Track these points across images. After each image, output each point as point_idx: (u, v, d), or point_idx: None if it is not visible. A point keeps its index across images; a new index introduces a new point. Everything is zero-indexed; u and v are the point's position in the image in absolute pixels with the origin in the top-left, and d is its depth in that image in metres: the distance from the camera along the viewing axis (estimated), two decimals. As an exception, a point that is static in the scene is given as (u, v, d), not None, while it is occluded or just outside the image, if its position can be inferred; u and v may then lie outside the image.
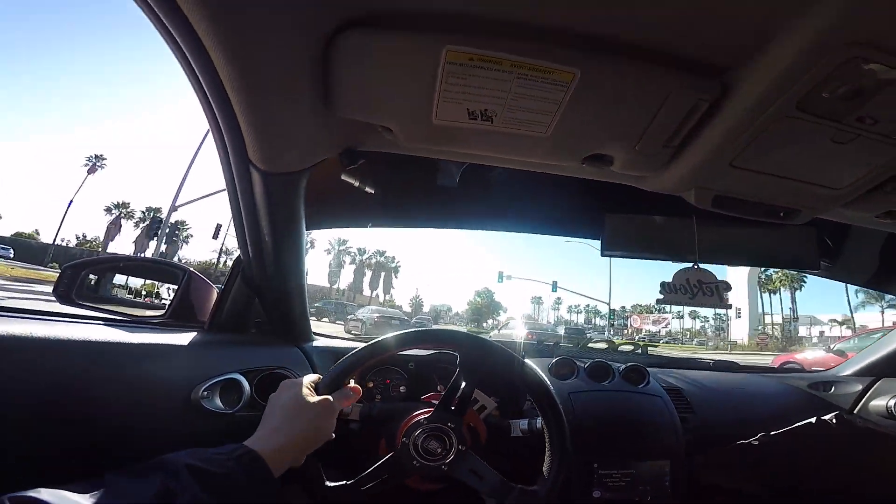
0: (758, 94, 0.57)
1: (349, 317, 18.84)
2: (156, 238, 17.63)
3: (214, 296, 1.03)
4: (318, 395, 0.73)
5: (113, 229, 41.05)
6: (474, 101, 0.63)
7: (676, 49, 0.55)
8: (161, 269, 1.18)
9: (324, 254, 53.21)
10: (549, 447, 0.82)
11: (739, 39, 0.52)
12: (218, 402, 0.86)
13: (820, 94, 0.55)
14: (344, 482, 0.74)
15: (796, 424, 1.00)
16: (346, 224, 1.15)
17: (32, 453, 0.69)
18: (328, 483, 0.74)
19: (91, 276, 1.05)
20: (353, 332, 14.20)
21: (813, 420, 0.98)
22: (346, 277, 53.20)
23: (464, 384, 0.81)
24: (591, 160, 0.73)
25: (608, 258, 1.02)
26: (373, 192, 0.96)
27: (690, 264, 0.91)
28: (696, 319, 49.93)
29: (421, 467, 0.77)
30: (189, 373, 0.85)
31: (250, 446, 0.62)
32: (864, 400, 1.30)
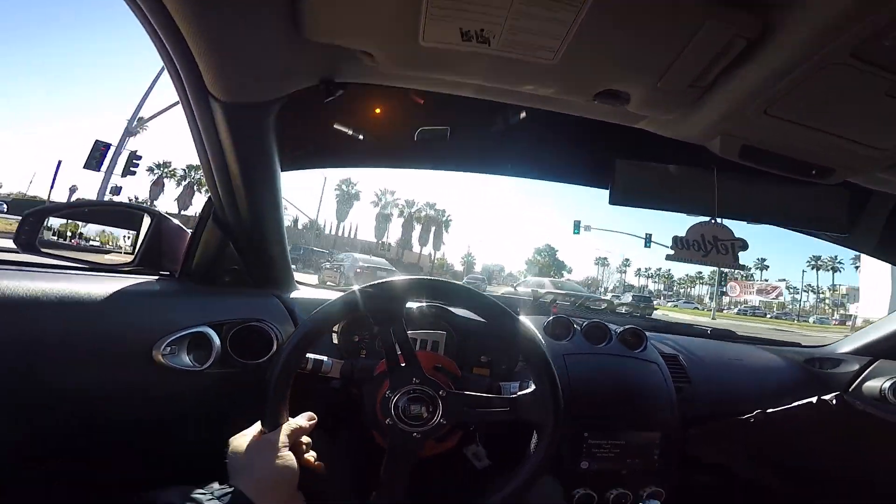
0: (807, 36, 0.48)
1: (324, 263, 16.34)
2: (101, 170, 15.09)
3: (182, 240, 0.95)
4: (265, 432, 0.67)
5: (155, 189, 40.81)
6: (468, 19, 0.53)
7: None
8: (129, 213, 1.09)
9: (370, 206, 49.23)
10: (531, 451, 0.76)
11: None
12: (185, 358, 0.79)
13: (880, 41, 0.47)
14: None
15: (796, 403, 0.97)
16: (332, 164, 1.06)
17: None
18: None
19: (54, 223, 0.97)
20: (328, 281, 11.96)
21: (814, 400, 0.94)
22: (395, 232, 49.31)
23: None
24: (605, 96, 0.63)
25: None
26: (352, 130, 0.87)
27: (708, 218, 0.83)
28: (810, 293, 46.04)
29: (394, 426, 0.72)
30: (152, 326, 0.78)
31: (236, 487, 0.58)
32: (859, 380, 1.27)
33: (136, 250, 0.93)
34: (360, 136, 0.91)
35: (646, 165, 0.88)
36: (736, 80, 0.56)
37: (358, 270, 12.77)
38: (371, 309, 0.70)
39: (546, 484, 0.93)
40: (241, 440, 0.65)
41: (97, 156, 14.14)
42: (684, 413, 1.04)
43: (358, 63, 0.66)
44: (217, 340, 0.82)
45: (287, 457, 0.64)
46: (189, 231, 0.97)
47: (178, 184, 41.07)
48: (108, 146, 14.65)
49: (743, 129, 0.64)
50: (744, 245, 0.81)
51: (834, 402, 0.92)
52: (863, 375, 1.26)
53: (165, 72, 0.66)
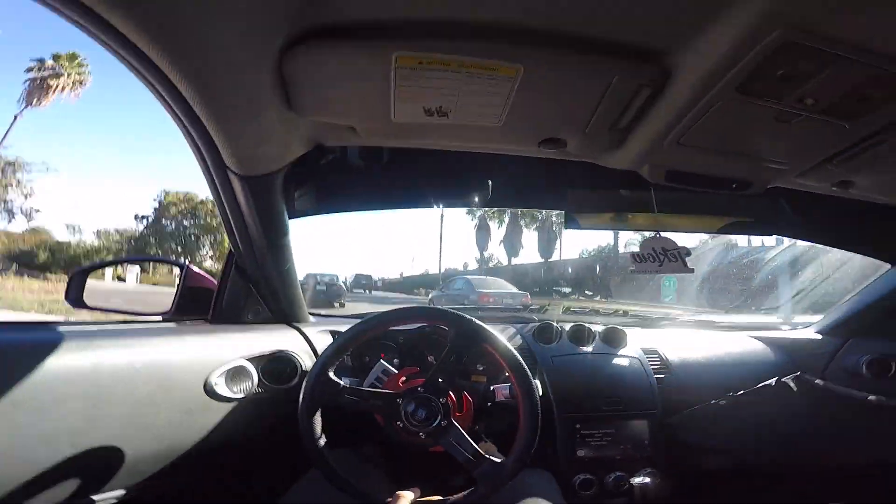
0: (699, 78, 0.60)
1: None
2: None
3: (210, 285, 1.10)
4: None
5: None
6: (429, 100, 0.67)
7: (614, 36, 0.58)
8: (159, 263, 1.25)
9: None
10: (521, 418, 0.85)
11: (677, 24, 0.55)
12: (228, 388, 0.92)
13: (760, 77, 0.57)
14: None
15: (758, 385, 1.05)
16: (337, 210, 1.20)
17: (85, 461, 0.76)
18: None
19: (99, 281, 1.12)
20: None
21: (772, 382, 1.03)
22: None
23: (453, 357, 0.87)
24: (547, 143, 0.77)
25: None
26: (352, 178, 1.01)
27: (653, 233, 0.96)
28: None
29: (404, 429, 0.84)
30: (202, 362, 0.91)
31: None
32: (834, 360, 1.32)
33: (173, 300, 1.07)
34: (360, 184, 1.07)
35: (594, 191, 1.01)
36: (649, 119, 0.69)
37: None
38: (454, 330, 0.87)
39: (542, 477, 1.00)
40: None
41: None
42: (667, 401, 1.15)
43: (344, 132, 0.80)
44: (254, 371, 0.96)
45: None
46: (211, 278, 1.12)
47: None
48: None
49: (664, 158, 0.76)
50: (688, 252, 0.93)
51: (793, 383, 1.00)
52: (838, 354, 1.33)
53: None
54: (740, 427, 1.15)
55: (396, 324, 0.95)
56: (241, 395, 0.93)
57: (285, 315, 1.16)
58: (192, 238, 24.65)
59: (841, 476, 1.25)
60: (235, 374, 0.94)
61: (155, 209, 26.86)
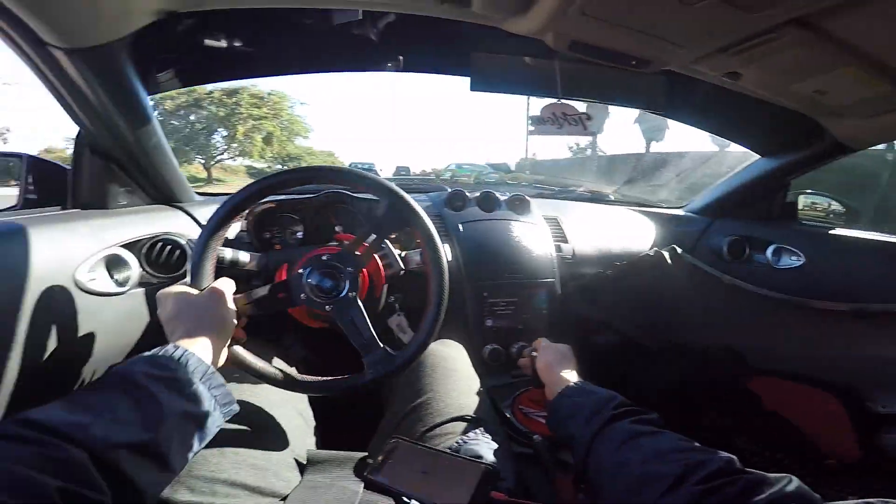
0: None
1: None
2: None
3: (64, 176, 0.93)
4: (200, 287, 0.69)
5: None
6: None
7: None
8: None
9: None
10: (429, 287, 0.79)
11: None
12: (106, 282, 0.81)
13: None
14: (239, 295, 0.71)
15: (638, 256, 1.13)
16: (204, 81, 1.04)
17: None
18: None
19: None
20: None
21: (651, 252, 1.10)
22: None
23: (373, 235, 0.78)
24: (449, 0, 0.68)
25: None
26: (219, 44, 0.85)
27: (555, 99, 0.95)
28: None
29: (307, 300, 0.75)
30: (64, 254, 0.75)
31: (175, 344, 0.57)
32: (701, 238, 1.42)
33: (19, 194, 0.91)
34: (228, 47, 0.90)
35: (498, 56, 0.95)
36: None
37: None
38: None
39: (455, 348, 0.99)
40: (176, 295, 0.65)
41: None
42: (563, 271, 1.20)
43: None
44: (133, 259, 0.86)
45: (228, 310, 0.66)
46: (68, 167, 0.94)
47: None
48: None
49: (569, 27, 0.72)
50: (589, 116, 0.94)
51: (668, 254, 1.07)
52: (704, 234, 1.43)
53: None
54: (621, 300, 1.23)
55: (297, 184, 0.80)
56: (122, 290, 0.83)
57: (164, 196, 1.05)
58: (204, 132, 19.43)
59: (702, 357, 1.33)
60: (111, 265, 0.82)
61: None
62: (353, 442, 0.76)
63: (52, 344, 0.71)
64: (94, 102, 0.77)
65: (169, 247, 0.92)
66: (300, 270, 0.75)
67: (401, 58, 1.07)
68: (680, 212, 1.57)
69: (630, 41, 0.75)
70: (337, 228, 1.09)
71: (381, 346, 0.75)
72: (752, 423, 1.37)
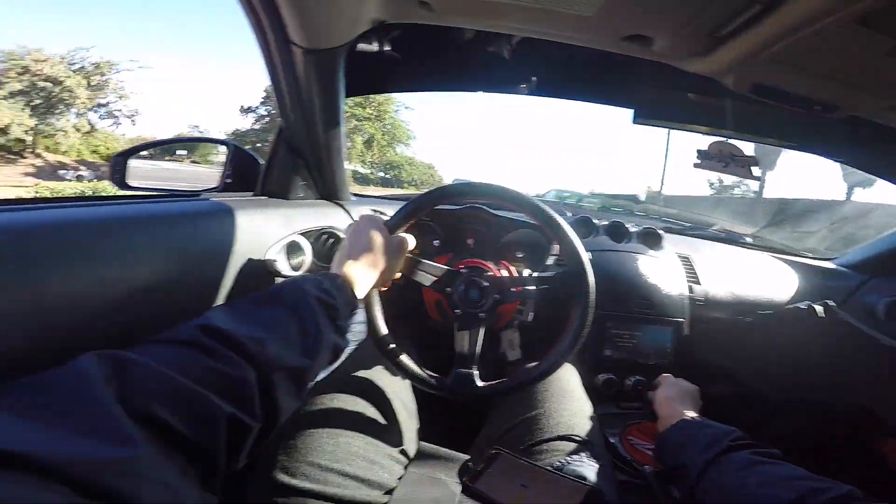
0: (822, 2, 0.54)
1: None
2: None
3: (255, 164, 1.09)
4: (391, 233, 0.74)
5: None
6: None
7: None
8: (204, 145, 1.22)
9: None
10: (573, 314, 0.78)
11: None
12: (285, 264, 0.89)
13: (887, 12, 0.53)
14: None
15: (788, 307, 1.06)
16: (389, 90, 1.15)
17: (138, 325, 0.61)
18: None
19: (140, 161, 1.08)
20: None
21: (803, 305, 1.03)
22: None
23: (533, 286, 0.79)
24: (631, 40, 0.72)
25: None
26: (404, 57, 0.96)
27: (724, 138, 0.93)
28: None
29: (450, 293, 0.80)
30: (261, 236, 0.86)
31: (338, 273, 0.62)
32: (854, 296, 1.27)
33: (221, 176, 1.07)
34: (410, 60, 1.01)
35: (666, 91, 0.94)
36: (750, 33, 0.63)
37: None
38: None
39: (570, 371, 0.97)
40: (375, 226, 0.70)
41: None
42: (694, 312, 1.15)
43: (413, 9, 0.75)
44: (308, 247, 0.95)
45: (398, 262, 0.73)
46: (260, 160, 1.11)
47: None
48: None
49: (755, 71, 0.71)
50: (755, 161, 0.91)
51: (822, 309, 1.00)
52: (858, 291, 1.29)
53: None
54: (756, 350, 1.15)
55: (468, 199, 0.92)
56: (295, 273, 0.92)
57: (329, 193, 1.18)
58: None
59: (829, 413, 1.24)
60: (290, 250, 0.93)
61: (263, 98, 23.50)
62: (452, 439, 0.80)
63: None
64: (305, 99, 0.89)
65: (332, 239, 1.04)
66: (462, 269, 0.81)
67: (565, 84, 1.11)
68: (829, 264, 1.43)
69: (817, 86, 0.73)
70: (469, 241, 1.14)
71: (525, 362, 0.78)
72: (877, 484, 1.22)
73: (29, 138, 19.44)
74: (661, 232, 1.25)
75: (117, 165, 1.05)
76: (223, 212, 0.82)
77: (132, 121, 23.98)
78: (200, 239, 0.74)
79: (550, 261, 1.09)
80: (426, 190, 0.81)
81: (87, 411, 0.28)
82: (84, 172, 21.46)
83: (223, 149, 1.12)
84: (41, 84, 19.28)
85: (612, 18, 0.67)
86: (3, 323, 0.45)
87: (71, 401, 0.29)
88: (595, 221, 1.27)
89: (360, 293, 0.63)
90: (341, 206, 1.17)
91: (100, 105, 22.41)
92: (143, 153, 1.15)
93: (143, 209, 0.69)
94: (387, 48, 0.99)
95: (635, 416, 0.99)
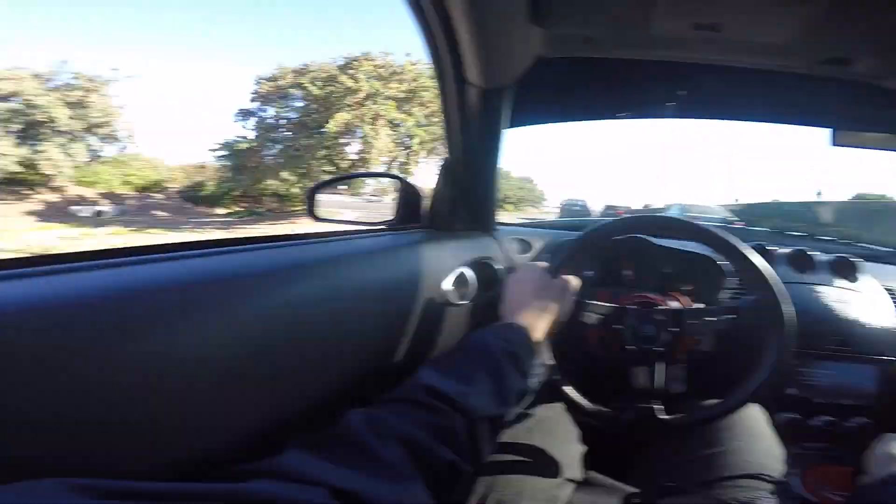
0: None
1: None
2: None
3: (420, 198, 1.14)
4: (555, 277, 0.77)
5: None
6: (702, 15, 0.60)
7: None
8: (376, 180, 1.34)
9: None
10: (764, 349, 0.73)
11: None
12: (455, 294, 0.90)
13: None
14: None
15: None
16: (552, 121, 1.21)
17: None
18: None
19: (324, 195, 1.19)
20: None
21: None
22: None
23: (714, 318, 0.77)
24: (829, 62, 0.67)
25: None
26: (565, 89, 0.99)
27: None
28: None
29: (623, 329, 0.80)
30: (439, 267, 0.90)
31: (513, 322, 0.65)
32: None
33: (396, 210, 1.13)
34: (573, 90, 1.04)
35: (866, 111, 0.85)
36: None
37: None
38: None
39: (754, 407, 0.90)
40: (537, 273, 0.75)
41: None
42: None
43: (578, 45, 0.78)
44: (473, 277, 0.98)
45: (568, 304, 0.75)
46: (423, 191, 1.21)
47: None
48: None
49: None
50: None
51: None
52: None
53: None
54: None
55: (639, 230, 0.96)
56: (463, 302, 0.93)
57: (481, 224, 1.23)
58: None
59: None
60: (458, 280, 0.95)
61: (253, 96, 21.67)
62: (609, 464, 0.80)
63: (421, 345, 0.81)
64: (473, 134, 0.96)
65: (489, 269, 1.08)
66: (631, 306, 0.81)
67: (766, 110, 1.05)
68: None
69: None
70: (626, 273, 1.12)
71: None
72: None
73: (53, 171, 17.70)
74: (855, 261, 1.09)
75: (309, 199, 1.16)
76: (405, 246, 0.92)
77: (131, 139, 21.09)
78: (391, 272, 0.80)
79: (725, 293, 1.04)
80: (590, 224, 0.84)
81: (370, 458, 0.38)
82: (106, 207, 18.98)
83: (370, 181, 1.24)
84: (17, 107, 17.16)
85: (804, 44, 0.63)
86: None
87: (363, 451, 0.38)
88: (770, 249, 1.14)
89: (536, 338, 0.66)
90: (491, 235, 1.22)
91: (94, 126, 19.23)
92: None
93: (339, 248, 0.77)
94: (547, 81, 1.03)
95: (816, 458, 0.94)
